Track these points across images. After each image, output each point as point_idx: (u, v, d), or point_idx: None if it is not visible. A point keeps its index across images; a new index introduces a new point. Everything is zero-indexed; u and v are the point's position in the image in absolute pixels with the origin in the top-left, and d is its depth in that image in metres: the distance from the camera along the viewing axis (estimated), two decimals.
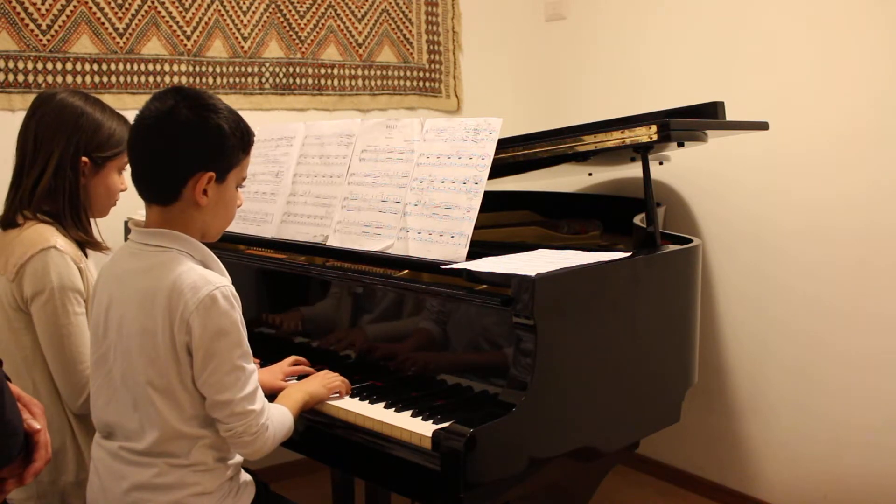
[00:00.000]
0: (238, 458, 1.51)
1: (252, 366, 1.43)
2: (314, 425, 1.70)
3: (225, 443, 1.45)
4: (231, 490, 1.47)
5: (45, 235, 1.68)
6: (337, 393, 1.70)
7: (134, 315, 1.40)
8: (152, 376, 1.38)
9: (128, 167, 1.83)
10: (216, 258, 1.47)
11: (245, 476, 1.54)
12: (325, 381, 1.71)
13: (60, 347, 1.68)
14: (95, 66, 2.57)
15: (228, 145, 1.42)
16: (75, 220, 1.75)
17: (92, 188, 1.78)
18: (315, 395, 1.67)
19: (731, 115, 2.24)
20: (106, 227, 2.01)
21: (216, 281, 1.38)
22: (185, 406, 1.40)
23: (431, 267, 1.73)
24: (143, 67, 2.64)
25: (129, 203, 1.79)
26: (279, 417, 1.51)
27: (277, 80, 2.89)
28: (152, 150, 1.42)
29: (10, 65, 2.44)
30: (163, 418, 1.39)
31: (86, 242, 1.78)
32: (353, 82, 3.07)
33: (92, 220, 1.83)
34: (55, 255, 1.66)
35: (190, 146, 1.40)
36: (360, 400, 1.69)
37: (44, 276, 1.65)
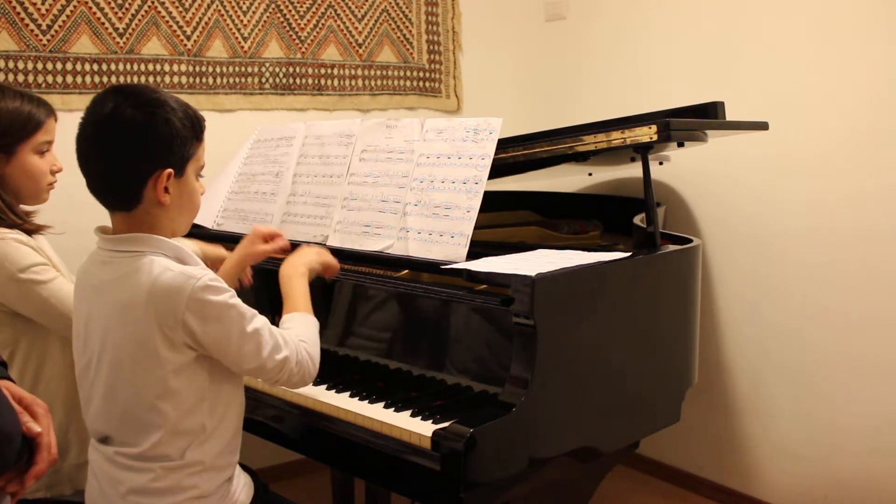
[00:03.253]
0: (235, 458, 1.49)
1: (260, 319, 1.42)
2: (314, 425, 1.70)
3: (221, 442, 1.44)
4: (229, 491, 1.47)
5: None
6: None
7: (119, 326, 1.37)
8: (150, 382, 1.36)
9: (52, 147, 1.80)
10: (189, 252, 1.44)
11: (244, 477, 1.54)
12: (312, 251, 1.72)
13: (54, 314, 1.67)
14: (95, 66, 2.57)
15: (181, 137, 1.38)
16: None
17: (11, 176, 1.74)
18: (313, 270, 1.69)
19: (731, 115, 2.24)
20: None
21: (196, 273, 1.35)
22: (186, 397, 1.38)
23: (431, 267, 1.73)
24: (143, 67, 2.64)
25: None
26: (306, 331, 1.52)
27: (277, 80, 2.89)
28: (103, 157, 1.36)
29: (10, 65, 2.44)
30: (165, 419, 1.37)
31: (20, 227, 1.74)
32: (353, 82, 3.07)
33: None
34: None
35: (141, 146, 1.35)
36: (359, 400, 1.69)
37: None
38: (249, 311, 1.41)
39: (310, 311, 1.58)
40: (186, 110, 1.40)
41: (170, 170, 1.37)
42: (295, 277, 1.64)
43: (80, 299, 1.46)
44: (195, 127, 1.42)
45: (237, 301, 1.39)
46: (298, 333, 1.50)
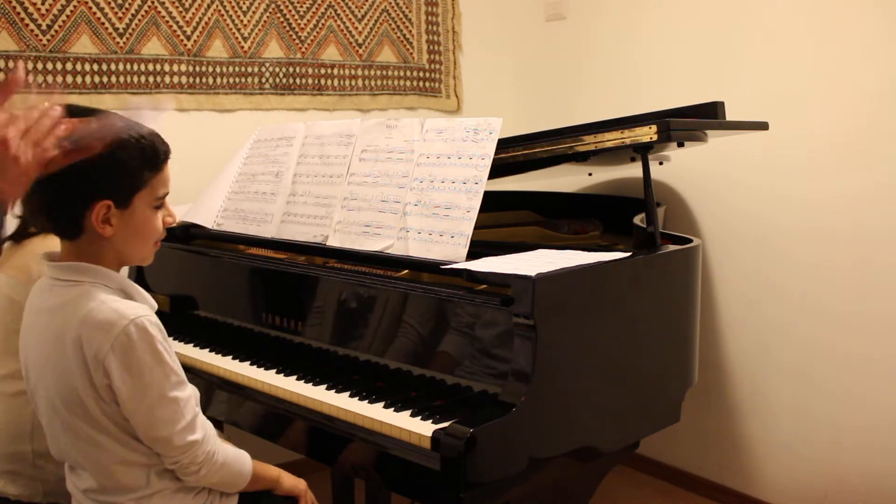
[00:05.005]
0: None
1: (187, 392, 1.35)
2: (314, 425, 1.70)
3: None
4: (215, 498, 1.45)
5: None
6: None
7: (49, 357, 1.34)
8: (80, 414, 1.32)
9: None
10: (136, 285, 1.39)
11: None
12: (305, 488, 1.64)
13: None
14: (95, 66, 2.57)
15: (125, 168, 1.32)
16: None
17: None
18: (287, 483, 1.58)
19: (731, 115, 2.24)
20: None
21: (130, 313, 1.29)
22: (120, 438, 1.33)
23: (431, 267, 1.73)
24: (143, 67, 2.64)
25: None
26: (234, 453, 1.44)
27: (277, 80, 2.89)
28: (43, 187, 1.26)
29: (11, 65, 2.44)
30: (103, 452, 1.33)
31: None
32: (353, 82, 3.07)
33: None
34: None
35: (78, 178, 1.27)
36: (359, 399, 1.69)
37: None
38: (180, 374, 1.34)
39: (254, 471, 1.49)
40: (140, 140, 1.32)
41: (108, 202, 1.32)
42: (275, 468, 1.58)
43: (24, 325, 1.43)
44: (148, 157, 1.35)
45: (169, 359, 1.32)
46: (227, 448, 1.42)
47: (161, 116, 1.19)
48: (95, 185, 1.31)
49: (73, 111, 1.24)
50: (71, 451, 1.38)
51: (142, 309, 1.32)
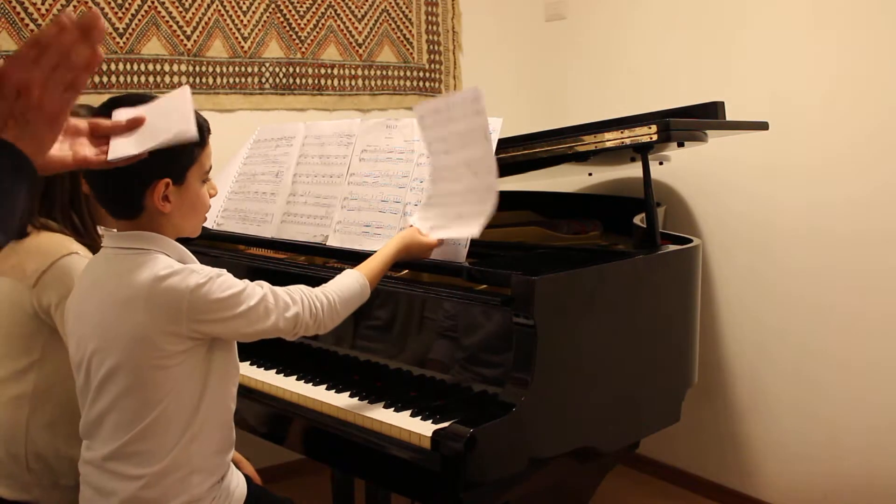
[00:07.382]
0: (227, 460, 1.48)
1: (260, 290, 1.42)
2: (314, 425, 1.70)
3: (210, 443, 1.42)
4: (222, 493, 1.46)
5: (65, 243, 1.67)
6: None
7: (117, 320, 1.36)
8: (143, 367, 1.35)
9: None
10: (193, 256, 1.45)
11: (236, 477, 1.52)
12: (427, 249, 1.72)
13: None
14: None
15: (178, 146, 1.33)
16: (72, 226, 1.71)
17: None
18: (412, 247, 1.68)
19: (731, 115, 2.24)
20: None
21: (198, 270, 1.37)
22: (178, 381, 1.37)
23: (431, 267, 1.73)
24: (143, 67, 2.64)
25: None
26: (340, 285, 1.54)
27: (277, 80, 2.89)
28: (102, 175, 1.34)
29: None
30: (155, 403, 1.36)
31: (91, 247, 1.74)
32: (353, 82, 3.07)
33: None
34: (77, 260, 1.64)
35: (138, 161, 1.29)
36: (359, 399, 1.69)
37: (69, 281, 1.62)
38: (248, 286, 1.41)
39: (369, 275, 1.59)
40: None
41: (166, 180, 1.37)
42: (394, 249, 1.66)
43: (77, 296, 1.46)
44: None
45: (233, 286, 1.39)
46: (328, 286, 1.52)
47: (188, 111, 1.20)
48: (155, 165, 1.34)
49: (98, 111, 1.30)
50: (115, 405, 1.38)
51: (200, 268, 1.39)
